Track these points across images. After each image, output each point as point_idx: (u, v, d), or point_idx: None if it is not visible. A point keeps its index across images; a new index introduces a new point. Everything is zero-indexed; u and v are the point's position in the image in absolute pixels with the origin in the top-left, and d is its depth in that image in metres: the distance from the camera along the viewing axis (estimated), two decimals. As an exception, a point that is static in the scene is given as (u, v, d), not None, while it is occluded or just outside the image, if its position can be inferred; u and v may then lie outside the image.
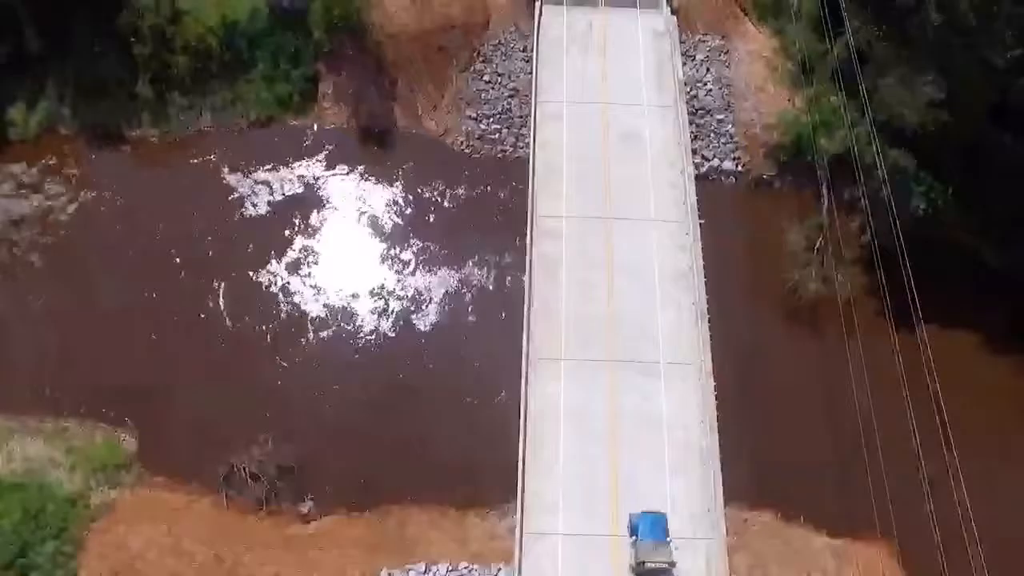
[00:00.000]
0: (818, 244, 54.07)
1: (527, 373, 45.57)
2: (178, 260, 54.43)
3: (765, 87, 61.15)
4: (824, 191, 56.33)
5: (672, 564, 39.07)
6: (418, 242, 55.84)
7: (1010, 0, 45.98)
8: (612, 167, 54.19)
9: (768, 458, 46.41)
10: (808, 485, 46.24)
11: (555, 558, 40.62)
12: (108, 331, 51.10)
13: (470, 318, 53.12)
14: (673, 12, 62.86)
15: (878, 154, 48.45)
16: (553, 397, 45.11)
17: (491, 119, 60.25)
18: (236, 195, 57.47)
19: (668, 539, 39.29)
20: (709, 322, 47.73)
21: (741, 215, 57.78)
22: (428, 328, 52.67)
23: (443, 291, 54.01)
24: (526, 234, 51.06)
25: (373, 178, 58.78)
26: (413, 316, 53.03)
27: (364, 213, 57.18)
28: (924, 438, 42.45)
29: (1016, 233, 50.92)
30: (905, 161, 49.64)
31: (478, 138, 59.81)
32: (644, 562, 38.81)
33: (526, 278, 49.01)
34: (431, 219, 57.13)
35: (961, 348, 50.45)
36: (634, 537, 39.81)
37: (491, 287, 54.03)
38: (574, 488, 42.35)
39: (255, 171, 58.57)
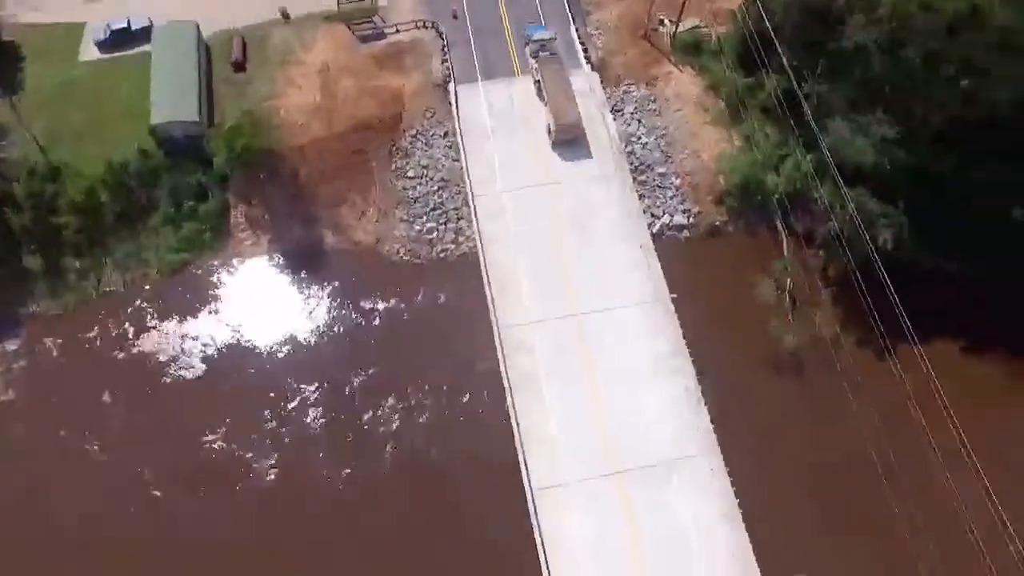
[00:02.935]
0: (788, 287, 55.53)
1: (534, 506, 44.91)
2: (92, 474, 49.58)
3: (700, 131, 62.12)
4: (781, 229, 58.09)
5: (553, 38, 62.78)
6: (363, 371, 53.51)
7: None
8: (568, 255, 53.90)
9: (791, 524, 46.68)
10: (831, 544, 46.30)
11: None
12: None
13: (432, 451, 50.68)
14: (593, 68, 63.53)
15: (845, 195, 50.09)
16: (566, 529, 44.44)
17: (424, 217, 58.98)
18: (156, 361, 54.23)
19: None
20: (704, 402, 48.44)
21: (704, 270, 58.05)
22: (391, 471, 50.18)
23: (395, 423, 51.58)
24: (488, 348, 50.39)
25: (305, 306, 56.65)
26: (367, 457, 50.49)
27: (300, 349, 54.73)
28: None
29: (977, 247, 53.48)
30: (869, 202, 51.44)
31: (414, 240, 58.43)
32: (531, 38, 62.60)
33: (508, 402, 48.29)
34: (373, 342, 54.95)
35: (954, 356, 52.51)
36: (527, 37, 63.37)
37: (450, 412, 51.95)
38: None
39: (175, 327, 55.65)
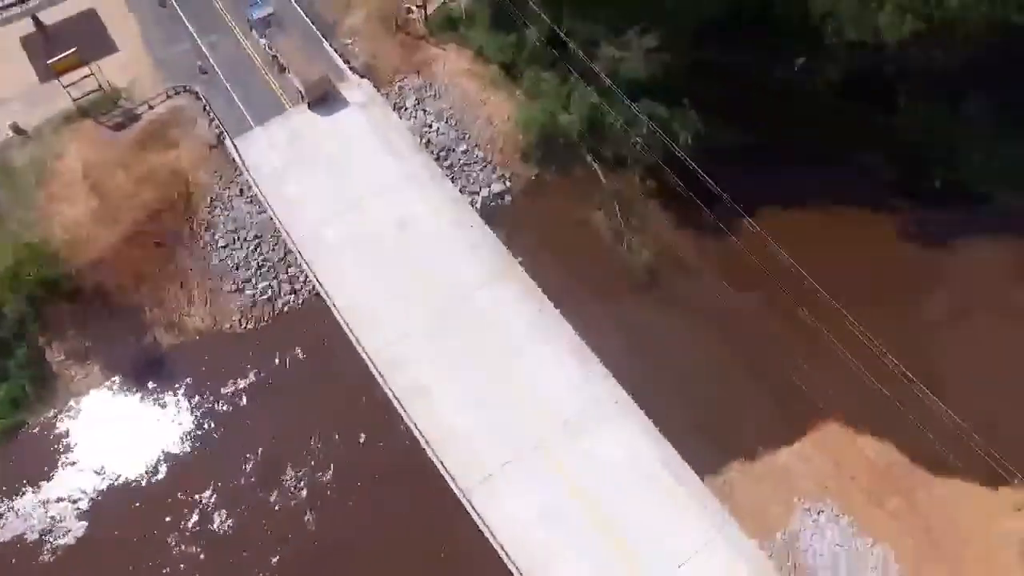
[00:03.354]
0: (617, 212, 58.10)
1: (471, 505, 44.96)
2: None
3: (484, 99, 63.28)
4: (592, 162, 60.52)
5: (272, 12, 65.13)
6: (251, 456, 50.79)
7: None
8: (407, 260, 53.90)
9: (704, 420, 49.48)
10: (743, 417, 49.97)
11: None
12: None
13: (352, 499, 49.20)
14: (361, 76, 63.29)
15: (635, 112, 53.43)
16: (512, 514, 44.89)
17: (253, 280, 56.58)
18: (26, 544, 48.89)
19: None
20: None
21: (538, 225, 59.23)
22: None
23: (303, 490, 49.36)
24: (367, 378, 49.91)
25: (165, 417, 52.91)
26: (292, 535, 48.23)
27: (177, 461, 51.08)
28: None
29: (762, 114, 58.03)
30: (658, 109, 54.88)
31: (252, 306, 56.04)
32: (253, 18, 65.08)
33: (404, 419, 48.03)
34: (249, 423, 52.22)
35: (779, 214, 56.72)
36: (249, 20, 65.42)
37: (352, 455, 50.31)
38: None
39: (32, 499, 50.46)
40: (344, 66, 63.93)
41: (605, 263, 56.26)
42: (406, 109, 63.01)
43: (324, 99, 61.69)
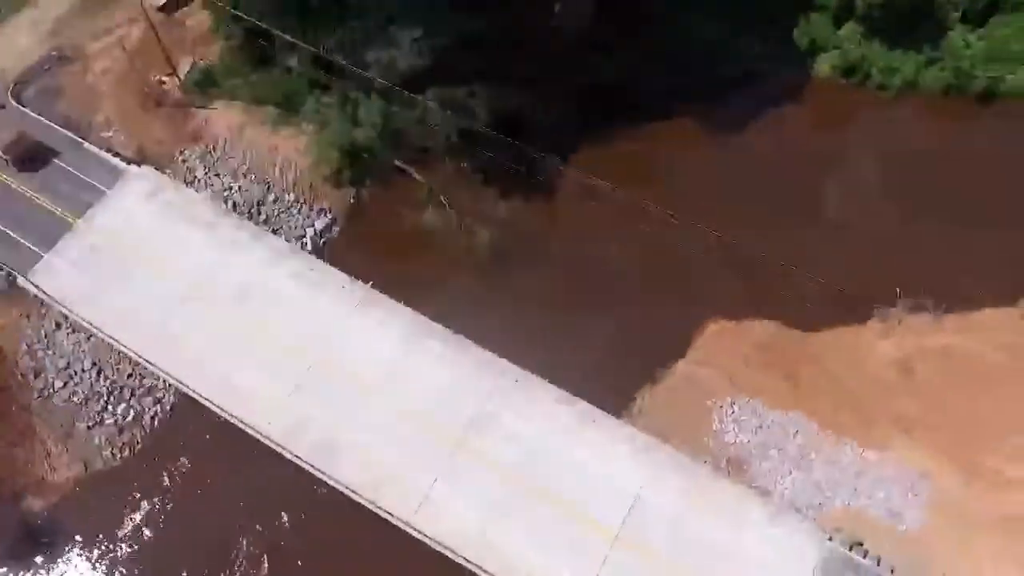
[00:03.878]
0: (446, 203, 58.60)
1: (418, 531, 44.90)
2: None
3: (272, 142, 61.81)
4: (405, 166, 60.71)
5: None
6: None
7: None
8: (258, 323, 52.46)
9: (597, 363, 51.38)
10: (632, 347, 52.06)
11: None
12: None
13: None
14: (139, 164, 60.21)
15: (424, 103, 55.29)
16: (458, 523, 45.15)
17: (108, 408, 52.91)
18: None
19: None
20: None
21: (377, 244, 59.11)
22: None
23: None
24: (269, 456, 48.34)
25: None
26: None
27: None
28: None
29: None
30: (444, 94, 56.17)
31: (120, 432, 52.41)
32: None
33: (322, 476, 47.11)
34: (164, 550, 49.02)
35: (595, 155, 59.75)
36: None
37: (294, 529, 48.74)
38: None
39: None
40: (116, 161, 60.43)
41: (451, 255, 56.51)
42: (199, 179, 60.62)
43: (33, 158, 60.08)
